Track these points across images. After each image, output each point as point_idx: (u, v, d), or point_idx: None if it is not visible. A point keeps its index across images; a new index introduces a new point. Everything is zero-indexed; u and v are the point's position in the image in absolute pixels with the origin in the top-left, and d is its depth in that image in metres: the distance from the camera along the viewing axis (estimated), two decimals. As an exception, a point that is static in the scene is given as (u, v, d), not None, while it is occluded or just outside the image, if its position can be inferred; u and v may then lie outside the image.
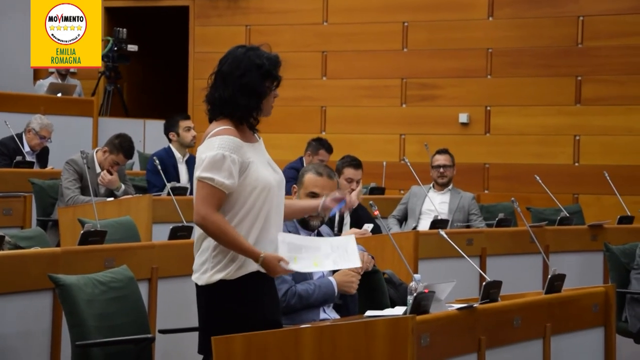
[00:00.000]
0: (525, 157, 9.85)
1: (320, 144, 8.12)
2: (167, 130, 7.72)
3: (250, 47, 3.59)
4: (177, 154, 7.65)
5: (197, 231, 3.58)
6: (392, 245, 4.34)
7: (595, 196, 9.42)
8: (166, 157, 7.56)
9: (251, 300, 3.54)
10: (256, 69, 3.53)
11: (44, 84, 10.08)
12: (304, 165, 7.98)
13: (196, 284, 3.58)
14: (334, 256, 3.70)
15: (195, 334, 3.70)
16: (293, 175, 7.57)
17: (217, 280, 3.51)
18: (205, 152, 3.50)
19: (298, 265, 3.58)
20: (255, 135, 3.66)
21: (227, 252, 3.51)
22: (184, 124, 7.66)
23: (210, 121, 3.60)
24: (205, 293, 3.55)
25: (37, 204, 7.04)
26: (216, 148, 3.47)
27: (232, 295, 3.52)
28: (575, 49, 9.79)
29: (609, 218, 7.68)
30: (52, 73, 10.40)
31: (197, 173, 3.49)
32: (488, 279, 4.00)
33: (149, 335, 3.91)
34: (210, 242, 3.53)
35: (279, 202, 3.61)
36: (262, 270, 3.55)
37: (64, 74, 10.28)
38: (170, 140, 7.75)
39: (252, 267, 3.53)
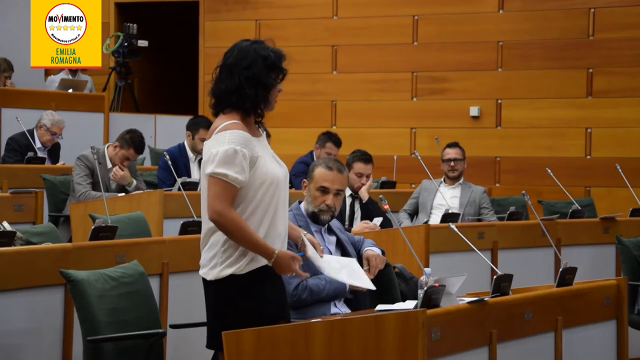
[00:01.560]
0: (536, 150, 9.83)
1: (328, 137, 8.09)
2: (188, 127, 7.68)
3: (255, 41, 3.61)
4: (190, 154, 7.62)
5: (205, 226, 3.58)
6: (403, 239, 4.34)
7: (607, 189, 9.39)
8: (179, 154, 7.53)
9: (261, 295, 3.54)
10: (262, 60, 3.54)
11: (55, 79, 10.10)
12: (314, 159, 7.98)
13: (204, 279, 3.58)
14: (346, 271, 3.81)
15: (205, 329, 3.69)
16: (303, 169, 7.57)
17: (227, 275, 3.51)
18: (216, 146, 3.49)
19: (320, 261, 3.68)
20: (260, 129, 3.66)
21: (237, 247, 3.51)
22: (203, 133, 7.48)
23: (216, 114, 3.61)
24: (214, 288, 3.55)
25: (48, 199, 7.05)
26: (227, 142, 3.47)
27: (242, 290, 3.52)
28: (586, 41, 9.75)
29: (621, 211, 7.65)
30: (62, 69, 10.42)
31: (210, 168, 3.48)
32: (499, 272, 3.99)
33: (160, 330, 3.91)
34: (219, 237, 3.52)
35: (285, 196, 3.62)
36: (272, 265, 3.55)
37: (74, 70, 10.29)
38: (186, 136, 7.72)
39: (262, 261, 3.53)
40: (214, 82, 3.60)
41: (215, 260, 3.53)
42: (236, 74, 3.53)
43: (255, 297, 3.53)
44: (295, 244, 3.76)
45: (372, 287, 3.89)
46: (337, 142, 8.07)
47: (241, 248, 3.50)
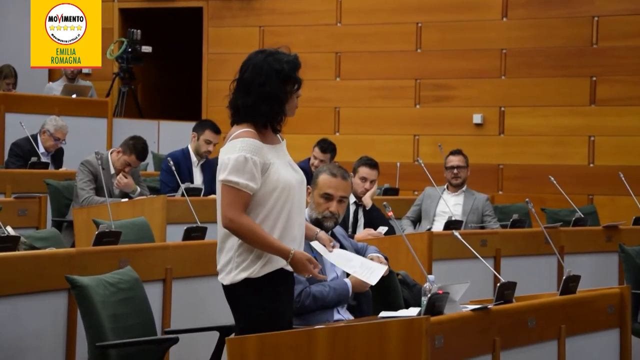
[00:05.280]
0: (539, 157, 9.82)
1: (317, 143, 8.09)
2: (194, 129, 7.71)
3: (269, 52, 3.64)
4: (194, 158, 7.62)
5: (220, 232, 3.62)
6: (406, 246, 4.34)
7: (610, 197, 9.39)
8: (182, 158, 7.54)
9: (277, 297, 3.59)
10: (276, 74, 3.59)
11: (53, 87, 10.08)
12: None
13: (222, 284, 3.62)
14: (357, 269, 3.92)
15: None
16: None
17: (242, 279, 3.56)
18: (228, 153, 3.57)
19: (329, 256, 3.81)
20: (279, 136, 3.72)
21: (251, 251, 3.56)
22: (208, 134, 7.53)
23: (232, 124, 3.67)
24: (231, 292, 3.60)
25: (52, 204, 7.06)
26: (238, 150, 3.54)
27: (257, 293, 3.56)
28: (589, 49, 9.76)
29: (624, 219, 7.65)
30: (62, 76, 10.40)
31: (222, 176, 3.55)
32: (502, 280, 3.99)
33: (173, 336, 3.91)
34: (234, 242, 3.57)
35: (300, 201, 3.66)
36: (287, 268, 3.60)
37: (71, 77, 10.18)
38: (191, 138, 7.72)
39: (277, 264, 3.58)
40: (231, 95, 3.65)
41: (231, 265, 3.59)
42: (252, 91, 3.59)
43: (271, 300, 3.57)
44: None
45: (373, 282, 3.97)
46: (323, 148, 8.03)
47: (255, 252, 3.55)
